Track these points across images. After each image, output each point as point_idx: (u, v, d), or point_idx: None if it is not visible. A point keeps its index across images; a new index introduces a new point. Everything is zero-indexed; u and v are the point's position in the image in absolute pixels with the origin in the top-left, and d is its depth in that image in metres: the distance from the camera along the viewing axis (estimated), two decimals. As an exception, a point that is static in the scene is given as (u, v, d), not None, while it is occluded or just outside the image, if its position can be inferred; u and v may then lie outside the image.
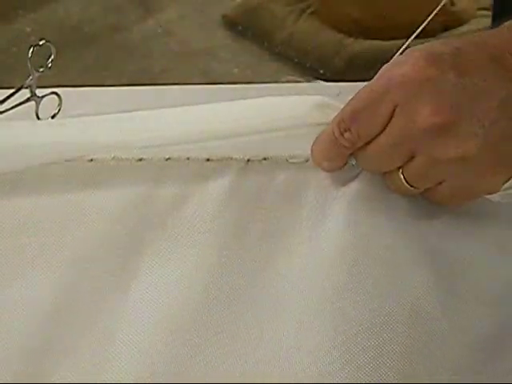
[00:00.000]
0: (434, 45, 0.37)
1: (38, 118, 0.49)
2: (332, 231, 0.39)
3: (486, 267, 0.39)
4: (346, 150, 0.39)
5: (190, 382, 0.35)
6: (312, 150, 0.40)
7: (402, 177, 0.38)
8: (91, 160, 0.43)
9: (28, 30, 2.04)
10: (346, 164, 0.40)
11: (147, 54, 1.90)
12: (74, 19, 2.07)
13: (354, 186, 0.41)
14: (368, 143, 0.38)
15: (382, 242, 0.38)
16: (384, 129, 0.37)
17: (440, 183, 0.38)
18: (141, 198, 0.42)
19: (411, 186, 0.38)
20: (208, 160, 0.43)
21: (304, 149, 0.41)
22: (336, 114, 0.39)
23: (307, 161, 0.43)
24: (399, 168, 0.38)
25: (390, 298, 0.35)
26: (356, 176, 0.41)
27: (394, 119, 0.36)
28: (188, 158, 0.43)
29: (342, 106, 0.39)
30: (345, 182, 0.41)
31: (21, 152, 0.42)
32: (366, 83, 0.38)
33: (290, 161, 0.43)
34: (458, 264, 0.39)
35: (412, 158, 0.37)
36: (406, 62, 0.36)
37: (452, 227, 0.40)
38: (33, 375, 0.35)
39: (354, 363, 0.33)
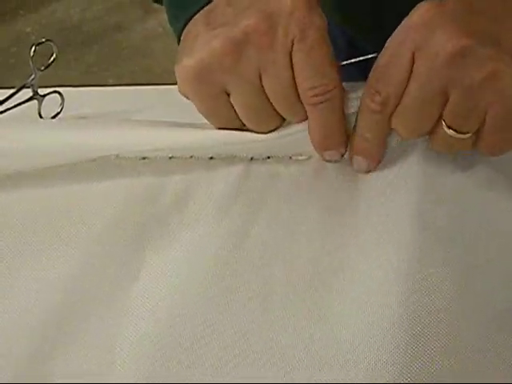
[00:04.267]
0: None
1: (41, 116, 0.49)
2: (346, 227, 0.40)
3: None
4: (381, 116, 0.38)
5: (189, 382, 0.35)
6: (353, 133, 0.40)
7: (446, 127, 0.37)
8: (94, 159, 0.43)
9: (28, 30, 2.04)
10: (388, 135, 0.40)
11: (148, 54, 1.90)
12: (74, 19, 2.08)
13: (361, 182, 0.41)
14: (400, 102, 0.37)
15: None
16: (409, 80, 0.36)
17: (484, 120, 0.37)
18: (144, 196, 0.42)
19: (460, 133, 0.37)
20: (211, 158, 0.43)
21: (307, 147, 0.41)
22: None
23: (311, 158, 0.42)
24: (440, 122, 0.37)
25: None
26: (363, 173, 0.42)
27: (416, 66, 0.36)
28: (191, 157, 0.43)
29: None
30: (351, 178, 0.41)
31: (24, 155, 0.42)
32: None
33: (294, 158, 0.43)
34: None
35: (447, 100, 0.36)
36: (413, 12, 0.36)
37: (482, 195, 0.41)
38: (41, 360, 0.36)
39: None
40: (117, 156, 0.43)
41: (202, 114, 0.40)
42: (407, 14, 0.37)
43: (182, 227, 0.41)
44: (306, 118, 0.40)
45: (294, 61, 0.37)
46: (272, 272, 0.39)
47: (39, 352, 0.36)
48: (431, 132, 0.38)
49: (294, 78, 0.37)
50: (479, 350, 0.35)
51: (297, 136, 0.41)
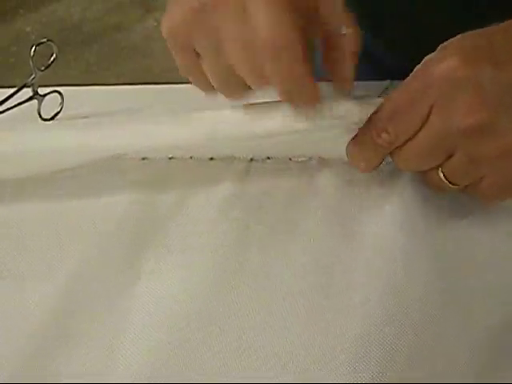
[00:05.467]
0: (469, 38, 0.36)
1: (40, 116, 0.49)
2: (345, 231, 0.39)
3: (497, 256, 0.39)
4: (383, 150, 0.38)
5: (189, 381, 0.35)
6: (348, 151, 0.40)
7: (441, 174, 0.38)
8: (95, 161, 0.43)
9: (28, 29, 2.04)
10: (381, 163, 0.40)
11: (148, 54, 1.90)
12: (74, 19, 2.08)
13: (362, 185, 0.41)
14: (405, 143, 0.37)
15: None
16: (421, 128, 0.36)
17: (481, 179, 0.37)
18: (145, 198, 0.42)
19: (451, 183, 0.38)
20: (211, 159, 0.43)
21: (307, 148, 0.41)
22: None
23: (311, 159, 0.42)
24: (438, 166, 0.38)
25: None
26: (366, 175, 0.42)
27: (431, 119, 0.35)
28: (191, 157, 0.43)
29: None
30: (353, 182, 0.42)
31: (23, 158, 0.42)
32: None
33: (294, 160, 0.43)
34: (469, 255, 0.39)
35: (451, 156, 0.36)
36: (441, 60, 0.35)
37: (460, 216, 0.40)
38: (41, 362, 0.36)
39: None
40: (117, 157, 0.42)
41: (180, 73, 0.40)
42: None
43: (182, 229, 0.41)
44: (267, 83, 0.37)
45: (250, 13, 0.35)
46: (271, 274, 0.39)
47: (39, 354, 0.36)
48: (427, 171, 0.39)
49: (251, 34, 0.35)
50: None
51: (296, 137, 0.41)
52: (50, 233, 0.41)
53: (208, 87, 0.40)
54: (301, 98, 0.37)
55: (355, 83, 0.40)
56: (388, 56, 0.60)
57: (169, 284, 0.38)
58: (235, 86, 0.39)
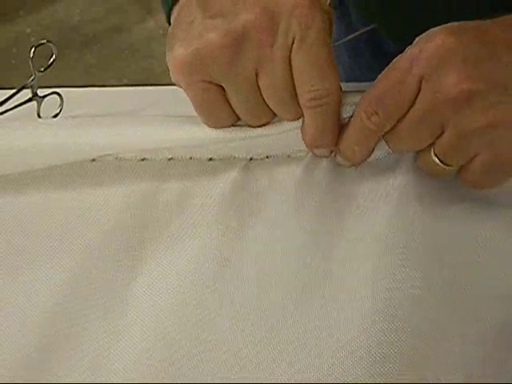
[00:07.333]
0: (456, 23, 0.36)
1: (40, 117, 0.49)
2: (346, 228, 0.40)
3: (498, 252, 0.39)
4: (374, 134, 0.38)
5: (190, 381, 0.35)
6: (340, 139, 0.40)
7: (433, 155, 0.38)
8: (93, 160, 0.43)
9: (28, 30, 2.04)
10: (372, 151, 0.40)
11: (148, 55, 1.90)
12: (74, 20, 2.08)
13: (357, 182, 0.41)
14: (396, 124, 0.37)
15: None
16: (411, 106, 0.36)
17: (472, 159, 0.37)
18: (144, 197, 0.42)
19: (444, 165, 0.38)
20: (211, 159, 0.43)
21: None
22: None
23: (308, 154, 0.42)
24: (430, 146, 0.38)
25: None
26: (361, 173, 0.42)
27: (420, 93, 0.35)
28: (191, 158, 0.43)
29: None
30: (349, 179, 0.42)
31: (23, 154, 0.42)
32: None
33: (293, 156, 0.43)
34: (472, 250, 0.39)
35: (442, 133, 0.36)
36: (429, 39, 0.36)
37: (466, 213, 0.40)
38: (39, 366, 0.36)
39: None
40: (116, 157, 0.42)
41: (194, 106, 0.39)
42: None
43: (181, 229, 0.41)
44: (299, 117, 0.39)
45: (293, 61, 0.36)
46: (271, 271, 0.39)
47: (36, 358, 0.36)
48: (419, 152, 0.39)
49: (291, 78, 0.37)
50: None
51: (295, 132, 0.41)
52: (49, 226, 0.41)
53: (228, 121, 0.40)
54: (322, 143, 0.40)
55: (353, 84, 0.40)
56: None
57: (167, 285, 0.38)
58: (265, 116, 0.40)
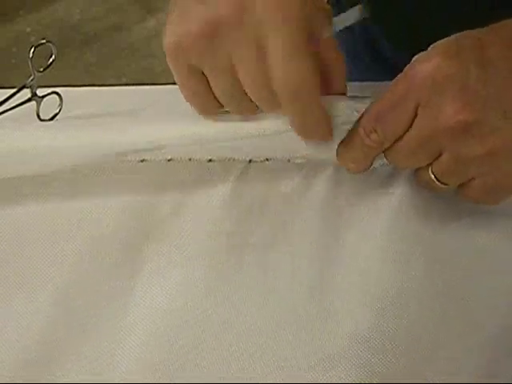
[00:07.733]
0: (457, 38, 0.36)
1: (39, 117, 0.49)
2: (346, 233, 0.40)
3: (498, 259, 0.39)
4: (372, 151, 0.38)
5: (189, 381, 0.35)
6: (338, 152, 0.40)
7: (431, 174, 0.38)
8: (93, 163, 0.43)
9: (28, 30, 2.04)
10: (371, 165, 0.40)
11: (148, 54, 1.90)
12: (74, 19, 2.08)
13: (357, 188, 0.41)
14: (395, 143, 0.37)
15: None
16: (409, 129, 0.36)
17: (471, 180, 0.37)
18: (143, 199, 0.42)
19: (441, 183, 0.38)
20: (210, 161, 0.43)
21: (306, 149, 0.41)
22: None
23: (309, 161, 0.42)
24: (428, 165, 0.37)
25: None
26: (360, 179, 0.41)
27: (417, 118, 0.35)
28: (190, 159, 0.43)
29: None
30: (347, 190, 0.41)
31: (22, 156, 0.42)
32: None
33: (293, 161, 0.43)
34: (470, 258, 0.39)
35: (440, 155, 0.36)
36: (426, 60, 0.35)
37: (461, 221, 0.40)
38: (39, 373, 0.36)
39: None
40: (115, 159, 0.42)
41: (181, 91, 0.40)
42: None
43: (181, 231, 0.41)
44: (278, 109, 0.38)
45: (267, 52, 0.35)
46: (269, 274, 0.39)
47: (37, 362, 0.36)
48: (417, 169, 0.39)
49: (267, 70, 0.36)
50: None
51: (295, 135, 0.40)
52: (48, 233, 0.41)
53: (212, 108, 0.40)
54: (313, 136, 0.39)
55: (350, 84, 0.40)
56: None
57: (166, 288, 0.38)
58: (247, 106, 0.39)
